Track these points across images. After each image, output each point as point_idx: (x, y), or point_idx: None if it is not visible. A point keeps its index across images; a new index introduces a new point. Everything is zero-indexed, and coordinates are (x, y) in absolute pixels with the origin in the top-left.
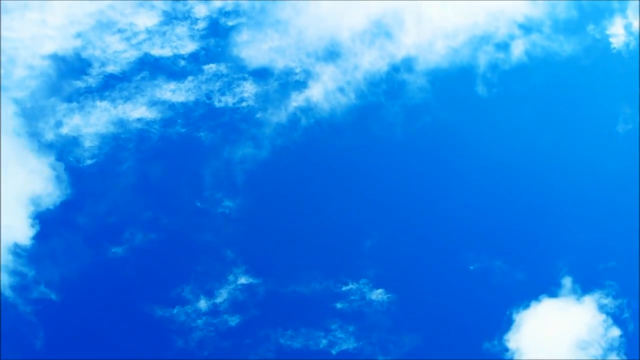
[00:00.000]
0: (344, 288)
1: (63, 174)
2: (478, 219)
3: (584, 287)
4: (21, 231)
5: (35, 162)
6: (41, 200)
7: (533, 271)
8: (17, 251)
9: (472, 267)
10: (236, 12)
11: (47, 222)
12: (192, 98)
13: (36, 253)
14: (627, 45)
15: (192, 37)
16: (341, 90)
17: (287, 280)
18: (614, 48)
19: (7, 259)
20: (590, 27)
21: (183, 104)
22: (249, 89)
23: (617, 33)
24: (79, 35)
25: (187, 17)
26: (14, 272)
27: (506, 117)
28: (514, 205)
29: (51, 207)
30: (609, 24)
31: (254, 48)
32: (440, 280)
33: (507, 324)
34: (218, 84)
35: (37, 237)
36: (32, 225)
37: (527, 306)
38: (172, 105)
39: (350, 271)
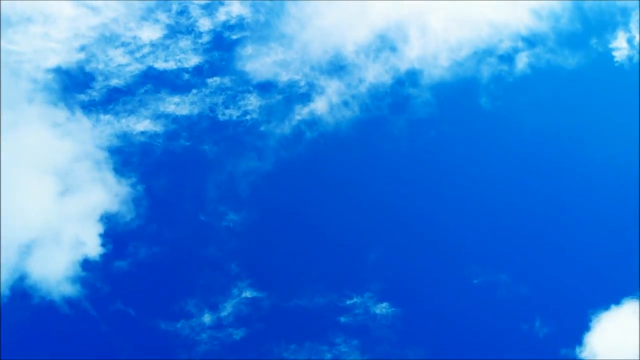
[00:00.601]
0: (348, 302)
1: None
2: (483, 233)
3: None
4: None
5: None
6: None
7: (538, 285)
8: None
9: (476, 281)
10: (240, 26)
11: None
12: (195, 111)
13: None
14: (630, 58)
15: (196, 50)
16: (345, 103)
17: (291, 294)
18: (617, 61)
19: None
20: (594, 41)
21: (187, 117)
22: (253, 102)
23: (620, 46)
24: (82, 48)
25: (191, 30)
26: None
27: (510, 130)
28: (519, 218)
29: None
30: (612, 37)
31: (258, 61)
32: (444, 294)
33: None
34: (222, 97)
35: None
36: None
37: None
38: (175, 119)
39: (355, 285)
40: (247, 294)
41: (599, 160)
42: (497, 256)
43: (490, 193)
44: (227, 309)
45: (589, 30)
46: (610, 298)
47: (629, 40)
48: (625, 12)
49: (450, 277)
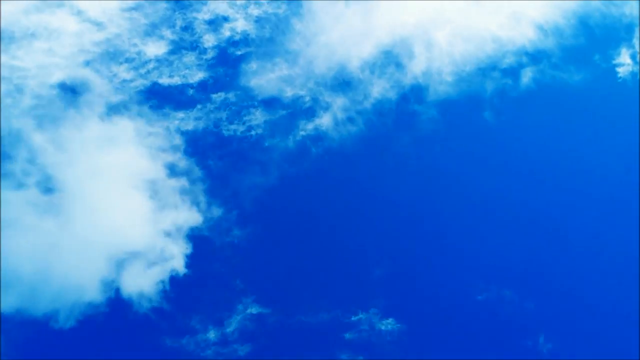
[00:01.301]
0: (354, 318)
1: None
2: (488, 249)
3: None
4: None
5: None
6: None
7: (542, 301)
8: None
9: (480, 297)
10: (245, 42)
11: None
12: (200, 127)
13: None
14: (633, 74)
15: (200, 66)
16: (351, 119)
17: (296, 310)
18: (620, 77)
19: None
20: (597, 57)
21: (191, 133)
22: (257, 117)
23: (624, 62)
24: (87, 64)
25: (195, 46)
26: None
27: (515, 145)
28: (524, 234)
29: None
30: (615, 53)
31: (263, 77)
32: (449, 310)
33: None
34: (226, 112)
35: None
36: None
37: None
38: (180, 134)
39: (360, 300)
40: (252, 310)
41: (603, 175)
42: (502, 272)
43: (495, 209)
44: (232, 325)
45: (592, 46)
46: (614, 313)
47: (633, 56)
48: (629, 29)
49: (455, 293)
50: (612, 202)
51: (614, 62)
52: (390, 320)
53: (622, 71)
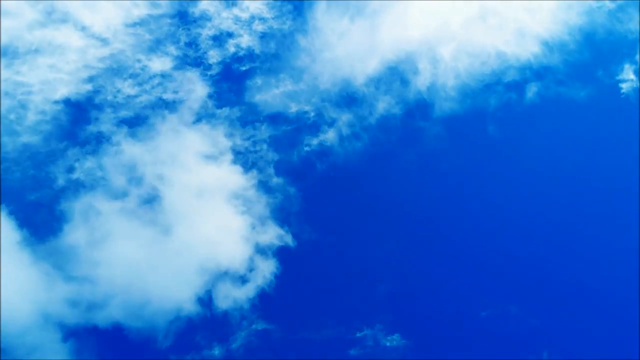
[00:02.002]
0: (359, 334)
1: None
2: (492, 264)
3: None
4: None
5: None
6: None
7: (546, 317)
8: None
9: (484, 313)
10: (249, 58)
11: None
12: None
13: None
14: (635, 90)
15: (204, 81)
16: (356, 135)
17: (301, 326)
18: (623, 93)
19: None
20: (601, 72)
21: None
22: (262, 132)
23: (627, 78)
24: (91, 79)
25: (200, 62)
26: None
27: (520, 161)
28: (528, 249)
29: None
30: (618, 69)
31: (268, 93)
32: (454, 326)
33: None
34: (231, 128)
35: None
36: None
37: None
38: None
39: (365, 317)
40: (257, 326)
41: (607, 189)
42: (507, 288)
43: (500, 225)
44: (238, 341)
45: (596, 62)
46: (618, 333)
47: (636, 72)
48: (632, 45)
49: (459, 309)
50: (617, 217)
51: (618, 78)
52: (395, 336)
53: (625, 87)
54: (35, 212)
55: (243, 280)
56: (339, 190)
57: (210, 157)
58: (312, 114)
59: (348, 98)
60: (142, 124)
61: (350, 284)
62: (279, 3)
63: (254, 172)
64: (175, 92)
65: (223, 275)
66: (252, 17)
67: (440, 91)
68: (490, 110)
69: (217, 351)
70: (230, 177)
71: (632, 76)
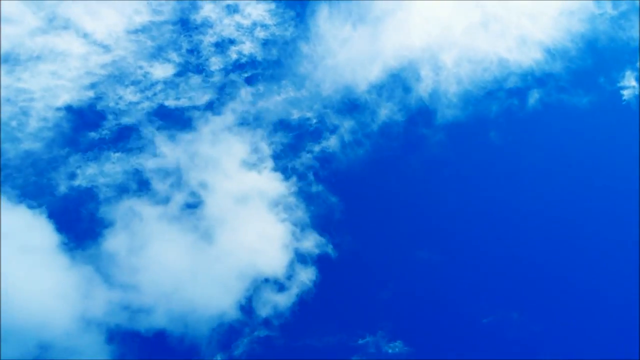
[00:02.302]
0: (361, 341)
1: None
2: (494, 271)
3: None
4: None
5: None
6: None
7: (549, 324)
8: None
9: (485, 320)
10: (251, 65)
11: None
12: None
13: None
14: (637, 97)
15: (206, 88)
16: (358, 142)
17: (303, 333)
18: (625, 99)
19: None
20: (602, 79)
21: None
22: (264, 140)
23: (629, 85)
24: (93, 86)
25: (202, 69)
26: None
27: (522, 167)
28: (530, 256)
29: None
30: (619, 76)
31: (269, 99)
32: (456, 333)
33: None
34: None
35: None
36: None
37: None
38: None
39: (367, 323)
40: (260, 333)
41: (608, 195)
42: (508, 294)
43: (502, 232)
44: (240, 348)
45: (598, 68)
46: (622, 338)
47: (637, 79)
48: (633, 52)
49: (462, 316)
50: (619, 222)
51: (619, 84)
52: (397, 343)
53: (626, 94)
54: (76, 216)
55: (282, 287)
56: (340, 196)
57: (251, 163)
58: (314, 120)
59: (350, 105)
60: (182, 128)
61: (352, 290)
62: (281, 10)
63: (294, 178)
64: (178, 98)
65: (263, 282)
66: (254, 24)
67: (442, 98)
68: (493, 116)
69: (219, 357)
70: (271, 183)
71: (633, 83)
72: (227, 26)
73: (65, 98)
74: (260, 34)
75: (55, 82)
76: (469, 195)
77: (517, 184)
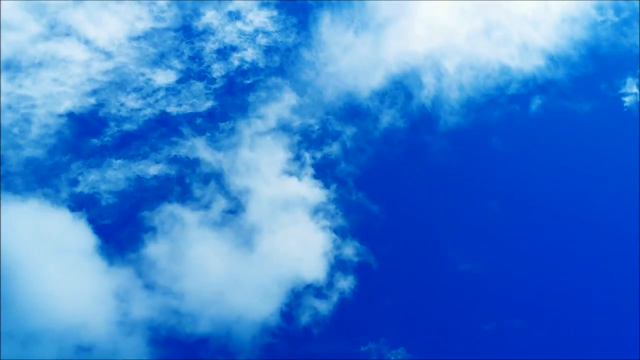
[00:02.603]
0: (363, 348)
1: None
2: (497, 277)
3: None
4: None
5: None
6: None
7: (551, 331)
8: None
9: (487, 327)
10: (253, 71)
11: None
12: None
13: None
14: (638, 103)
15: (208, 95)
16: (360, 149)
17: (304, 340)
18: (626, 106)
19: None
20: (604, 86)
21: (200, 161)
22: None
23: (630, 92)
24: (94, 93)
25: (204, 76)
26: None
27: (524, 174)
28: (534, 262)
29: None
30: (621, 83)
31: (271, 106)
32: (459, 340)
33: None
34: (235, 141)
35: None
36: None
37: None
38: (189, 162)
39: (369, 330)
40: (262, 340)
41: (609, 201)
42: (511, 301)
43: (504, 237)
44: (241, 355)
45: (600, 75)
46: (627, 344)
47: (639, 86)
48: (636, 59)
49: (464, 323)
50: (620, 229)
51: (621, 91)
52: (400, 350)
53: (628, 100)
54: (116, 220)
55: (322, 295)
56: (342, 205)
57: (291, 169)
58: (316, 127)
59: (352, 111)
60: (221, 133)
61: (354, 297)
62: (283, 17)
63: (334, 185)
64: (180, 105)
65: (304, 289)
66: (256, 31)
67: (444, 105)
68: (495, 123)
69: None
70: (311, 190)
71: (635, 90)
72: (229, 33)
73: (67, 105)
74: (262, 40)
75: (57, 89)
76: (470, 201)
77: (519, 190)
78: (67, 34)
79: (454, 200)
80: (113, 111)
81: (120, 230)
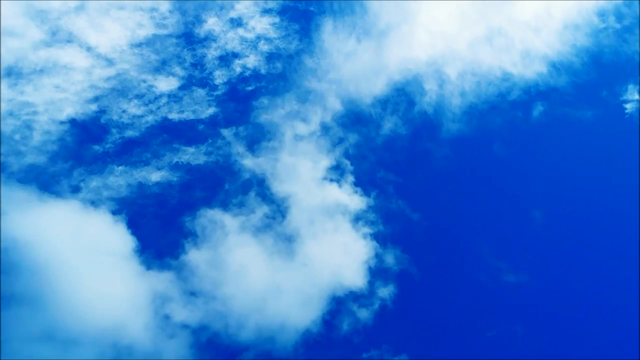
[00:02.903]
0: (365, 355)
1: None
2: (498, 285)
3: None
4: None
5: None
6: None
7: (553, 338)
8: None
9: (489, 334)
10: (255, 78)
11: None
12: (211, 161)
13: None
14: (639, 110)
15: (210, 101)
16: (363, 156)
17: (307, 347)
18: (628, 113)
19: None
20: (605, 93)
21: (202, 167)
22: (268, 152)
23: (632, 98)
24: (96, 99)
25: (206, 83)
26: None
27: (526, 180)
28: (535, 268)
29: None
30: (622, 90)
31: (273, 112)
32: (462, 346)
33: None
34: (237, 148)
35: None
36: None
37: None
38: (190, 169)
39: (372, 337)
40: (262, 347)
41: (611, 207)
42: (513, 308)
43: (506, 244)
44: None
45: (602, 82)
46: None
47: None
48: (637, 66)
49: (465, 330)
50: (621, 234)
51: (622, 98)
52: (402, 356)
53: (629, 107)
54: (155, 225)
55: (363, 303)
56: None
57: (332, 176)
58: (319, 134)
59: (354, 118)
60: (263, 140)
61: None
62: (285, 23)
63: (375, 192)
64: (181, 111)
65: (344, 297)
66: (258, 38)
67: (446, 111)
68: (497, 130)
69: None
70: (352, 197)
71: (636, 96)
72: (231, 40)
73: (69, 111)
74: (264, 47)
75: (59, 96)
76: (472, 207)
77: (521, 196)
78: (69, 40)
79: (453, 203)
80: (115, 118)
81: (160, 235)
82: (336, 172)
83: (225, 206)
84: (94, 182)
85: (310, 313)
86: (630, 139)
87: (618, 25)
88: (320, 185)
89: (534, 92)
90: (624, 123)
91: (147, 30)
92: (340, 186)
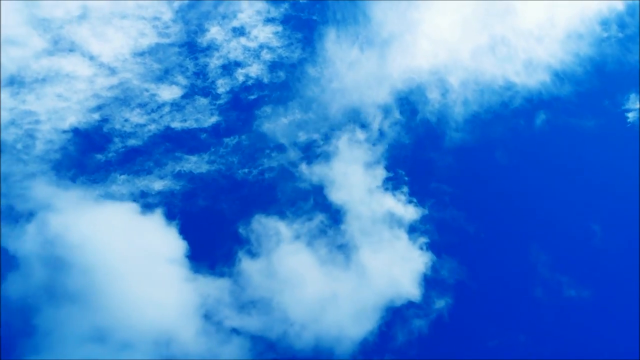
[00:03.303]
0: None
1: None
2: (499, 293)
3: None
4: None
5: None
6: None
7: (556, 347)
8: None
9: (491, 344)
10: (258, 87)
11: None
12: (213, 170)
13: None
14: None
15: (213, 110)
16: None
17: (307, 355)
18: (629, 122)
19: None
20: (607, 102)
21: (204, 176)
22: (270, 161)
23: (633, 108)
24: (99, 108)
25: (208, 92)
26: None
27: (528, 187)
28: (536, 277)
29: None
30: (624, 99)
31: (276, 122)
32: (463, 356)
33: None
34: (239, 156)
35: None
36: None
37: None
38: (193, 178)
39: (374, 345)
40: (266, 355)
41: (612, 215)
42: (514, 317)
43: (508, 252)
44: None
45: (604, 91)
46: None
47: None
48: (637, 75)
49: (466, 339)
50: (622, 242)
51: (624, 107)
52: None
53: (631, 116)
54: (210, 231)
55: (418, 313)
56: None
57: (387, 186)
58: (321, 142)
59: (357, 126)
60: (317, 147)
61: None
62: (288, 32)
63: (430, 202)
64: (184, 120)
65: (400, 308)
66: (261, 47)
67: (449, 120)
68: (500, 139)
69: None
70: (406, 207)
71: (637, 106)
72: (233, 49)
73: (71, 120)
74: (267, 56)
75: (61, 105)
76: (474, 214)
77: (524, 205)
78: (71, 49)
79: (457, 213)
80: (117, 127)
81: (213, 241)
82: (391, 182)
83: (281, 213)
84: (97, 192)
85: (367, 323)
86: (632, 148)
87: (621, 35)
88: (376, 194)
89: (536, 101)
90: (626, 132)
91: (149, 39)
92: (395, 196)
